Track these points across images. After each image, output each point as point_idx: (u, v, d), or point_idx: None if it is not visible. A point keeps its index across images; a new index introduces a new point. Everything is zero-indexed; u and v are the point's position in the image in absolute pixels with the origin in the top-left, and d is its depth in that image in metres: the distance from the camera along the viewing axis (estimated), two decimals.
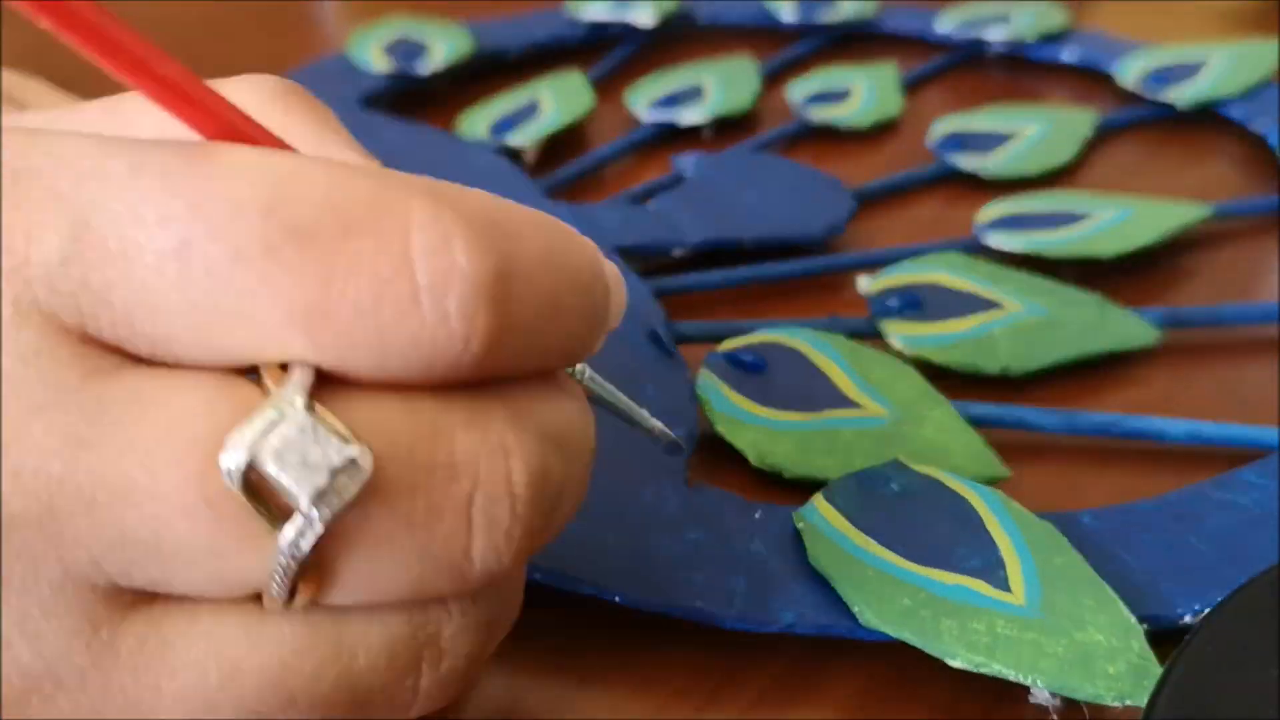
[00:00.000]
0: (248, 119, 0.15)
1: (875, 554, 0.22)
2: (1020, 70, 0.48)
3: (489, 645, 0.16)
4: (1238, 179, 0.40)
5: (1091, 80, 0.46)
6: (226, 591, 0.14)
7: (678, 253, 0.34)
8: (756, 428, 0.26)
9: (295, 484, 0.13)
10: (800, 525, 0.23)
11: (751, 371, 0.28)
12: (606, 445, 0.25)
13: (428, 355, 0.13)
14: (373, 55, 0.46)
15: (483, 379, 0.14)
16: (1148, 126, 0.43)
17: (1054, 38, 0.47)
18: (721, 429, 0.27)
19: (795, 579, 0.23)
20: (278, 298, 0.13)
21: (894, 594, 0.21)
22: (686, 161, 0.38)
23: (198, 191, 0.13)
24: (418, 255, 0.13)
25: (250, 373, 0.14)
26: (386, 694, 0.15)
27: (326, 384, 0.13)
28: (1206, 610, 0.22)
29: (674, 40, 0.51)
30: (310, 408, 0.13)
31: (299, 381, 0.13)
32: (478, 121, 0.42)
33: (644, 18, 0.49)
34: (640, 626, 0.23)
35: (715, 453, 0.27)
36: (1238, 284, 0.34)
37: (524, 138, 0.40)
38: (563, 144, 0.42)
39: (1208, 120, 0.42)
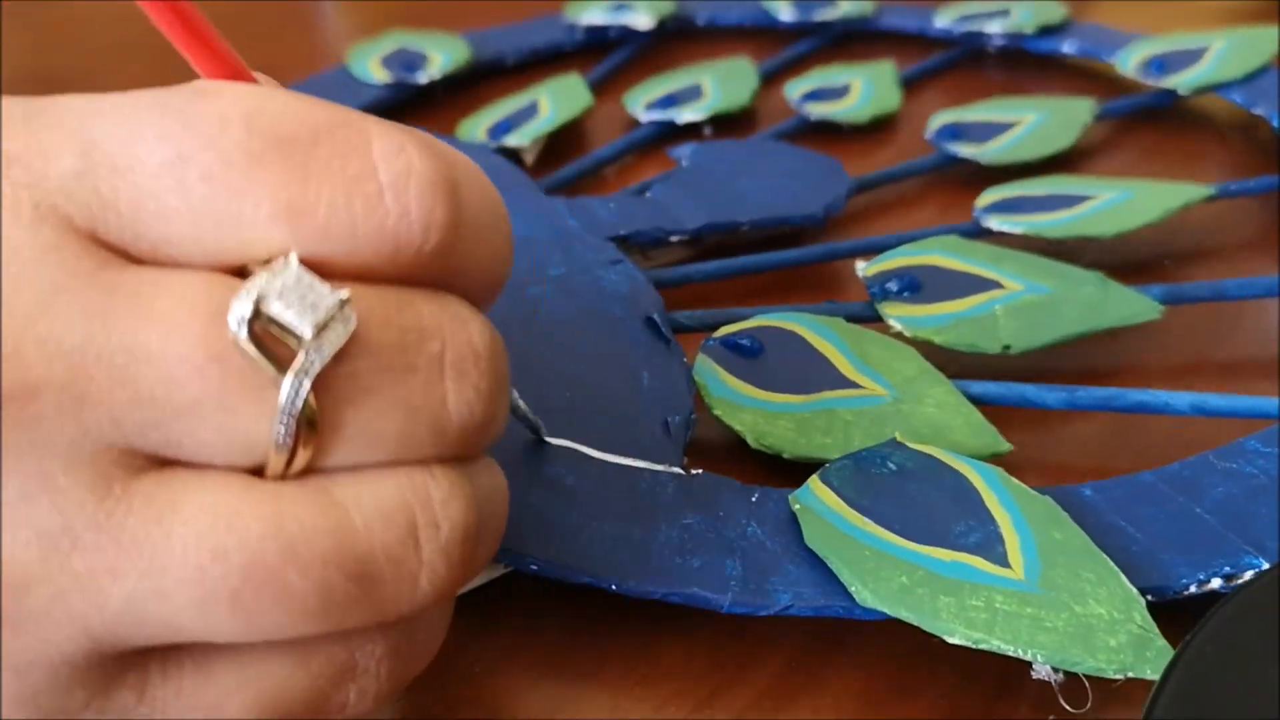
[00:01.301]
0: (243, 66, 0.17)
1: (872, 533, 0.22)
2: (1019, 66, 0.48)
3: (485, 531, 0.17)
4: (1240, 162, 0.40)
5: (1091, 77, 0.46)
6: (232, 451, 0.15)
7: (676, 239, 0.34)
8: (754, 410, 0.26)
9: (299, 318, 0.14)
10: (796, 507, 0.23)
11: (748, 355, 0.28)
12: (606, 435, 0.25)
13: (392, 243, 0.15)
14: (372, 67, 0.46)
15: (439, 282, 0.16)
16: (1149, 119, 0.43)
17: (1053, 30, 0.47)
18: (719, 412, 0.26)
19: (792, 561, 0.22)
20: (263, 196, 0.15)
21: (891, 572, 0.21)
22: (683, 151, 0.38)
23: (189, 113, 0.15)
24: (379, 158, 0.15)
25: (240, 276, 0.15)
26: (390, 558, 0.15)
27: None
28: (1211, 580, 0.21)
29: (672, 42, 0.51)
30: (301, 268, 0.15)
31: (289, 253, 0.15)
32: (476, 126, 0.42)
33: (642, 20, 0.49)
34: (640, 625, 0.23)
35: (713, 440, 0.27)
36: (1239, 267, 0.34)
37: (522, 137, 0.40)
38: (562, 145, 0.42)
39: (1209, 105, 0.42)
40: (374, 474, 0.16)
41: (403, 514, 0.16)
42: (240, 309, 0.14)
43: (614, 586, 0.22)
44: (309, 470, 0.15)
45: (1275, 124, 0.39)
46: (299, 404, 0.15)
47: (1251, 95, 0.40)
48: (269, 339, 0.15)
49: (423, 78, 0.45)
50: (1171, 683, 0.16)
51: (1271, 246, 0.35)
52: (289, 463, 0.15)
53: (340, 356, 0.15)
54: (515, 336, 0.27)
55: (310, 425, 0.15)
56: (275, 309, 0.14)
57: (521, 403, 0.24)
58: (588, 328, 0.29)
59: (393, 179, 0.15)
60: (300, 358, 0.15)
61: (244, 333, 0.14)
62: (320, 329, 0.15)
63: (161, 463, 0.15)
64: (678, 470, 0.25)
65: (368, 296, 0.15)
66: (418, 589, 0.16)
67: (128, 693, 0.16)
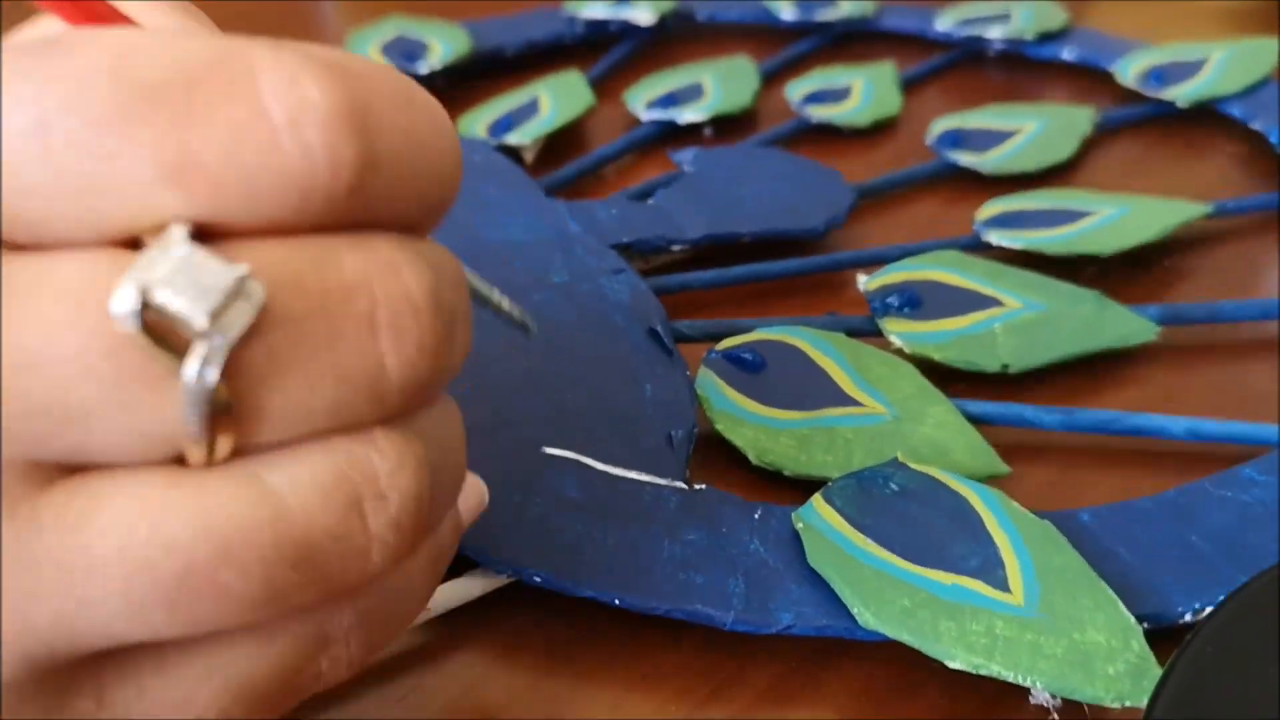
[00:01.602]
0: (113, 9, 0.15)
1: (874, 554, 0.22)
2: (1019, 69, 0.48)
3: (441, 486, 0.16)
4: (1238, 177, 0.40)
5: (1091, 80, 0.46)
6: (145, 448, 0.14)
7: (677, 249, 0.34)
8: (756, 426, 0.26)
9: (190, 305, 0.13)
10: (799, 526, 0.23)
11: (750, 370, 0.28)
12: (608, 446, 0.25)
13: (298, 190, 0.14)
14: (371, 55, 0.46)
15: (362, 220, 0.15)
16: (1148, 125, 0.43)
17: (1053, 36, 0.47)
18: (721, 427, 0.26)
19: (794, 580, 0.23)
20: (142, 156, 0.13)
21: (893, 594, 0.21)
22: (685, 156, 0.38)
23: (44, 72, 0.13)
24: (268, 96, 0.13)
25: (133, 247, 0.14)
26: (334, 537, 0.14)
27: (207, 238, 0.14)
28: (1207, 608, 0.22)
29: (673, 39, 0.51)
30: (191, 244, 0.13)
31: (176, 225, 0.13)
32: (476, 122, 0.42)
33: (642, 15, 0.49)
34: (640, 626, 0.23)
35: (715, 452, 0.27)
36: (1237, 283, 0.34)
37: (523, 136, 0.40)
38: (563, 143, 0.42)
39: (1208, 118, 0.42)
40: (308, 449, 0.14)
41: (343, 490, 0.14)
42: (124, 299, 0.13)
43: (617, 601, 0.22)
44: (236, 454, 0.14)
45: (1273, 139, 0.39)
46: (205, 393, 0.13)
47: (1250, 109, 0.41)
48: (163, 327, 0.13)
49: (423, 68, 0.45)
50: (1171, 683, 0.16)
51: (1272, 244, 0.35)
52: (210, 452, 0.14)
53: (250, 333, 0.13)
54: (518, 342, 0.27)
55: (226, 410, 0.14)
56: (163, 298, 0.13)
57: (506, 303, 0.21)
58: (590, 336, 0.29)
59: (287, 116, 0.13)
60: (200, 346, 0.13)
61: (134, 326, 0.13)
62: (217, 314, 0.13)
63: (71, 470, 0.14)
64: (680, 485, 0.25)
65: (277, 258, 0.14)
66: (369, 563, 0.15)
67: (86, 700, 0.15)
